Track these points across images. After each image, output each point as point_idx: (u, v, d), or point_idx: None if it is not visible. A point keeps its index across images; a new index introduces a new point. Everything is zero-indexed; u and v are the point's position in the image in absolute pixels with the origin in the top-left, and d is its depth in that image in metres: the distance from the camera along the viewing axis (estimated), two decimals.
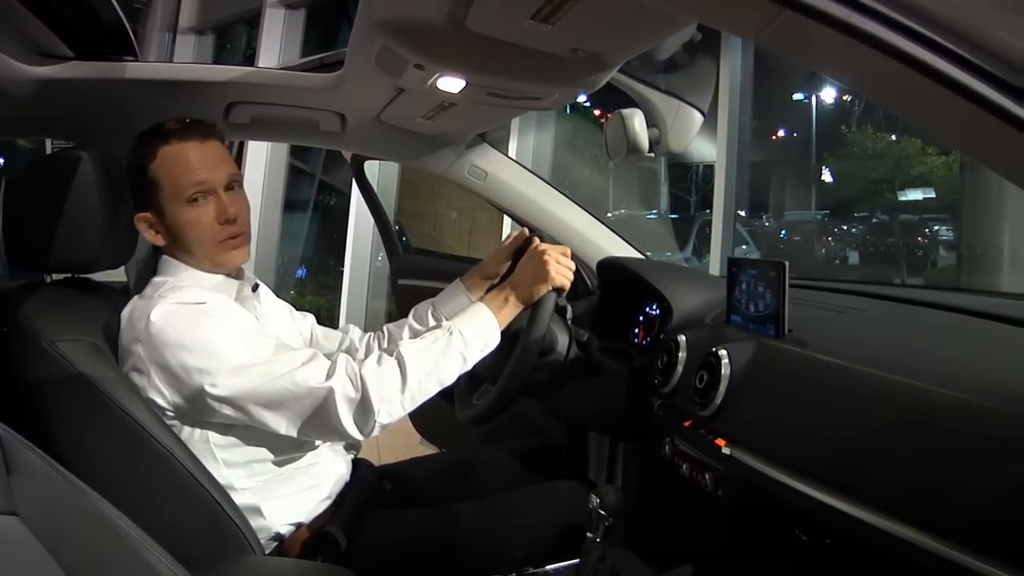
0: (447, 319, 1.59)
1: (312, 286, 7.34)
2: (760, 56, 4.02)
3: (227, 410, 1.31)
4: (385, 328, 1.76)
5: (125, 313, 1.40)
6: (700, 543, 1.53)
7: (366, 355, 1.67)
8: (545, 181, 2.21)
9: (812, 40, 0.69)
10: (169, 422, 1.34)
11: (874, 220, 6.06)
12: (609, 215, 6.13)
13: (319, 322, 1.80)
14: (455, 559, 1.52)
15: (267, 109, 1.78)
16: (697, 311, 1.70)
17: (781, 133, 7.26)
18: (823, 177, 6.89)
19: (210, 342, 1.31)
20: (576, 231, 2.17)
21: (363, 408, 1.32)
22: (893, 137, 5.94)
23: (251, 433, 1.38)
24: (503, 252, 1.68)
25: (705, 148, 4.45)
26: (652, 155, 1.66)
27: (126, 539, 0.75)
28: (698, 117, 1.64)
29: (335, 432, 1.34)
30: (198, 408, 1.32)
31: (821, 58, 0.78)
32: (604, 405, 1.77)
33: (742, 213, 4.88)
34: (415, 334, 1.66)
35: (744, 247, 5.74)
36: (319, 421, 1.32)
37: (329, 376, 1.32)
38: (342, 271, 5.80)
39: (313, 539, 1.46)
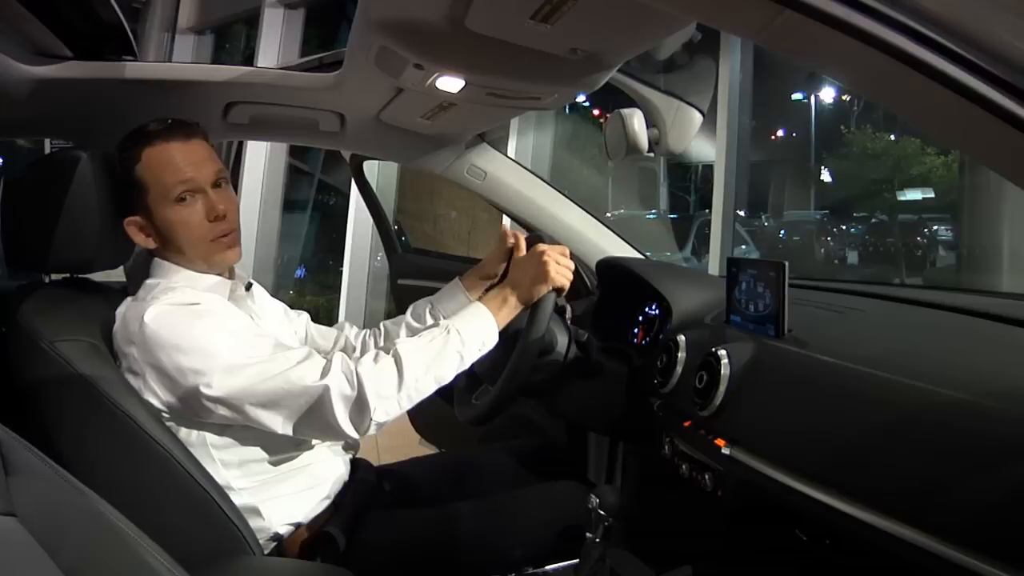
0: (445, 318, 1.59)
1: (311, 286, 7.34)
2: (759, 56, 4.02)
3: (222, 410, 1.31)
4: (382, 325, 1.76)
5: (119, 314, 1.39)
6: (699, 543, 1.53)
7: (362, 353, 1.68)
8: (544, 181, 2.21)
9: (812, 40, 0.69)
10: (167, 423, 1.34)
11: (873, 220, 6.07)
12: (608, 215, 6.13)
13: (319, 322, 1.80)
14: (454, 559, 1.52)
15: (266, 109, 1.78)
16: (697, 311, 1.70)
17: (780, 133, 7.27)
18: (822, 177, 6.90)
19: (204, 342, 1.31)
20: (575, 231, 2.17)
21: (359, 406, 1.32)
22: (892, 137, 5.95)
23: (249, 433, 1.38)
24: (501, 253, 1.68)
25: (704, 148, 4.44)
26: (651, 155, 1.66)
27: (125, 540, 0.75)
28: (697, 117, 1.64)
29: (331, 431, 1.33)
30: (194, 409, 1.32)
31: (821, 58, 0.78)
32: (603, 405, 1.77)
33: (741, 213, 4.89)
34: (412, 332, 1.66)
35: (743, 247, 5.75)
36: (315, 420, 1.32)
37: (324, 374, 1.32)
38: (341, 271, 5.80)
39: (312, 539, 1.46)
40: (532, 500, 1.65)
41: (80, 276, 1.51)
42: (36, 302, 1.38)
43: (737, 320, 1.46)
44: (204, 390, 1.29)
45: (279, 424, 1.33)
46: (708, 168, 4.77)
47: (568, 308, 1.69)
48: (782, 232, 6.89)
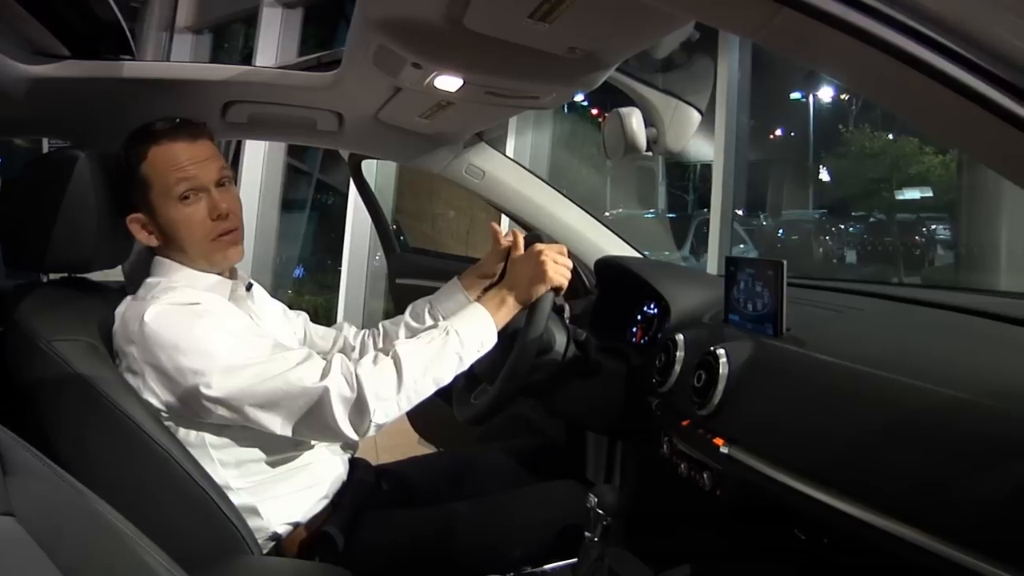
0: (444, 317, 1.59)
1: (310, 285, 7.34)
2: (758, 55, 4.02)
3: (222, 411, 1.31)
4: (381, 325, 1.76)
5: (118, 314, 1.39)
6: (698, 542, 1.53)
7: (361, 353, 1.68)
8: (543, 180, 2.21)
9: (810, 38, 0.69)
10: (165, 423, 1.34)
11: (872, 219, 6.08)
12: (607, 214, 6.12)
13: (317, 322, 1.79)
14: (453, 559, 1.52)
15: (264, 108, 1.78)
16: (695, 310, 1.70)
17: (779, 132, 7.27)
18: (821, 176, 6.90)
19: (203, 343, 1.31)
20: (574, 230, 2.17)
21: (359, 408, 1.32)
22: (891, 136, 5.95)
23: (247, 433, 1.37)
24: (499, 252, 1.67)
25: (703, 147, 4.44)
26: (650, 154, 1.66)
27: (123, 539, 0.75)
28: (696, 116, 1.64)
29: (331, 432, 1.33)
30: (193, 409, 1.32)
31: (820, 57, 0.78)
32: (602, 404, 1.77)
33: (740, 212, 4.88)
34: (411, 331, 1.66)
35: (742, 246, 5.74)
36: (314, 421, 1.32)
37: (324, 375, 1.32)
38: (340, 270, 5.80)
39: (311, 539, 1.46)
40: (531, 499, 1.65)
41: (78, 276, 1.51)
42: (34, 302, 1.37)
43: (735, 319, 1.46)
44: (203, 390, 1.29)
45: (278, 425, 1.33)
46: (707, 167, 4.77)
47: (566, 307, 1.69)
48: (780, 231, 6.89)
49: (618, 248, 2.17)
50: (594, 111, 6.14)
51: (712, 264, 3.90)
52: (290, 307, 1.76)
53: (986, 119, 0.64)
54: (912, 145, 5.68)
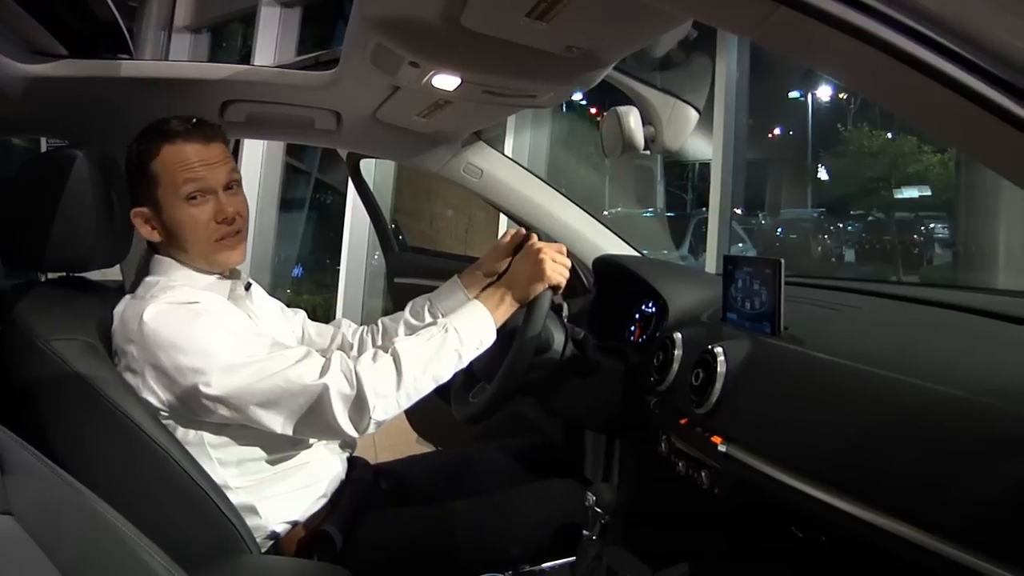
0: (443, 315, 1.59)
1: (308, 285, 7.34)
2: (757, 54, 4.02)
3: (222, 409, 1.31)
4: (380, 322, 1.76)
5: (117, 312, 1.39)
6: (696, 541, 1.53)
7: (359, 350, 1.68)
8: (541, 179, 2.21)
9: (807, 37, 0.70)
10: (164, 422, 1.34)
11: (870, 218, 6.07)
12: (606, 213, 6.12)
13: (316, 321, 1.79)
14: (451, 558, 1.52)
15: (263, 107, 1.78)
16: (693, 309, 1.70)
17: (777, 131, 7.26)
18: (819, 175, 6.89)
19: (203, 342, 1.31)
20: (572, 229, 2.17)
21: (358, 405, 1.32)
22: (889, 135, 5.94)
23: (246, 432, 1.38)
24: (502, 250, 1.67)
25: (702, 146, 4.45)
26: (648, 153, 1.66)
27: (122, 538, 0.75)
28: (693, 115, 1.64)
29: (330, 430, 1.33)
30: (193, 408, 1.32)
31: (817, 55, 0.78)
32: (600, 403, 1.77)
33: (738, 211, 4.88)
34: (410, 329, 1.66)
35: (740, 245, 5.74)
36: (314, 419, 1.32)
37: (323, 373, 1.32)
38: (338, 270, 5.80)
39: (309, 538, 1.46)
40: (529, 498, 1.66)
41: (76, 275, 1.51)
42: (32, 301, 1.37)
43: (733, 318, 1.46)
44: (203, 389, 1.29)
45: (278, 423, 1.33)
46: (705, 166, 4.77)
47: (565, 306, 1.70)
48: (779, 230, 6.89)
49: (616, 247, 2.18)
50: (592, 110, 6.13)
51: (711, 263, 3.91)
52: (289, 306, 1.76)
53: (985, 119, 0.64)
54: (911, 144, 5.69)
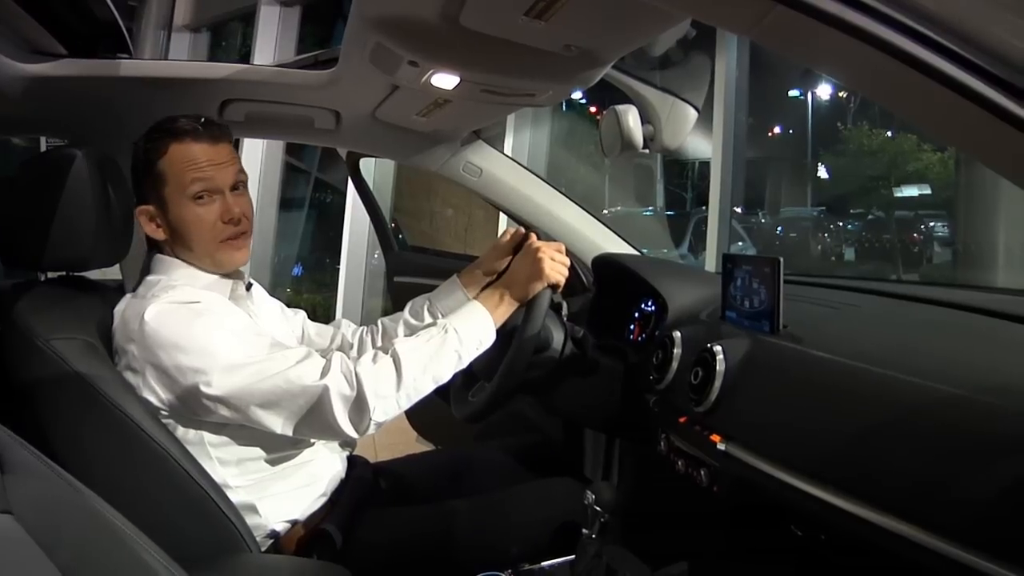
0: (443, 315, 1.59)
1: (308, 284, 7.34)
2: (756, 53, 4.02)
3: (222, 409, 1.31)
4: (379, 322, 1.76)
5: (118, 311, 1.39)
6: (695, 539, 1.53)
7: (359, 350, 1.68)
8: (540, 178, 2.21)
9: (804, 36, 0.70)
10: (164, 421, 1.34)
11: (870, 217, 6.07)
12: (605, 212, 6.12)
13: (315, 320, 1.80)
14: (451, 556, 1.52)
15: (262, 107, 1.78)
16: (692, 307, 1.70)
17: (777, 130, 7.25)
18: (819, 174, 6.90)
19: (204, 341, 1.31)
20: (572, 228, 2.17)
21: (358, 406, 1.32)
22: (889, 134, 5.95)
23: (246, 431, 1.38)
24: (502, 249, 1.67)
25: (701, 145, 4.44)
26: (647, 152, 1.66)
27: (122, 537, 0.75)
28: (692, 113, 1.64)
29: (330, 430, 1.34)
30: (193, 407, 1.32)
31: (816, 55, 0.78)
32: (599, 402, 1.77)
33: (738, 210, 4.88)
34: (410, 329, 1.66)
35: (740, 244, 5.74)
36: (314, 419, 1.32)
37: (324, 374, 1.32)
38: (338, 269, 5.80)
39: (309, 537, 1.46)
40: (528, 497, 1.66)
41: (76, 274, 1.51)
42: (32, 300, 1.38)
43: (732, 316, 1.46)
44: (204, 389, 1.29)
45: (279, 424, 1.33)
46: (705, 165, 4.77)
47: (564, 305, 1.70)
48: (779, 229, 6.89)
49: (616, 246, 2.18)
50: (592, 109, 6.13)
51: (711, 262, 3.90)
52: (288, 305, 1.76)
53: (984, 118, 0.64)
54: (910, 142, 5.69)
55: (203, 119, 1.44)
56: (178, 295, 1.37)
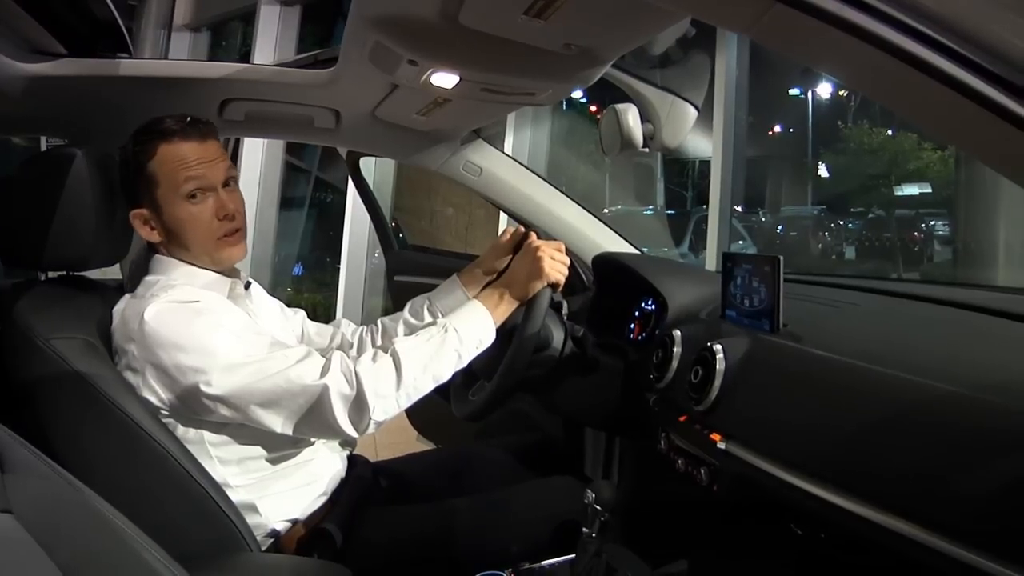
0: (443, 314, 1.59)
1: (309, 283, 7.35)
2: (756, 51, 4.02)
3: (222, 409, 1.31)
4: (379, 321, 1.76)
5: (117, 311, 1.39)
6: (696, 538, 1.54)
7: (359, 349, 1.68)
8: (540, 177, 2.21)
9: (805, 34, 0.69)
10: (164, 420, 1.34)
11: (870, 215, 6.07)
12: (606, 211, 6.12)
13: (316, 320, 1.80)
14: (451, 555, 1.53)
15: (262, 106, 1.78)
16: (692, 306, 1.70)
17: (777, 129, 7.26)
18: (819, 172, 6.90)
19: (204, 341, 1.31)
20: (572, 227, 2.17)
21: (358, 405, 1.32)
22: (889, 132, 5.95)
23: (246, 431, 1.38)
24: (501, 248, 1.67)
25: (701, 144, 4.45)
26: (647, 150, 1.66)
27: (122, 537, 0.75)
28: (692, 112, 1.64)
29: (330, 430, 1.34)
30: (193, 407, 1.32)
31: (815, 53, 0.78)
32: (600, 400, 1.77)
33: (738, 209, 4.89)
34: (410, 328, 1.66)
35: (741, 243, 5.74)
36: (314, 419, 1.32)
37: (324, 373, 1.32)
38: (339, 268, 5.80)
39: (309, 536, 1.46)
40: (528, 495, 1.66)
41: (76, 274, 1.51)
42: (32, 300, 1.37)
43: (732, 315, 1.46)
44: (204, 388, 1.29)
45: (279, 423, 1.33)
46: (705, 164, 4.77)
47: (564, 304, 1.70)
48: (779, 227, 6.89)
49: (616, 244, 2.18)
50: (592, 108, 6.13)
51: (711, 261, 3.90)
52: (289, 305, 1.76)
53: (984, 117, 0.64)
54: (910, 141, 5.69)
55: (188, 118, 1.43)
56: (177, 294, 1.37)
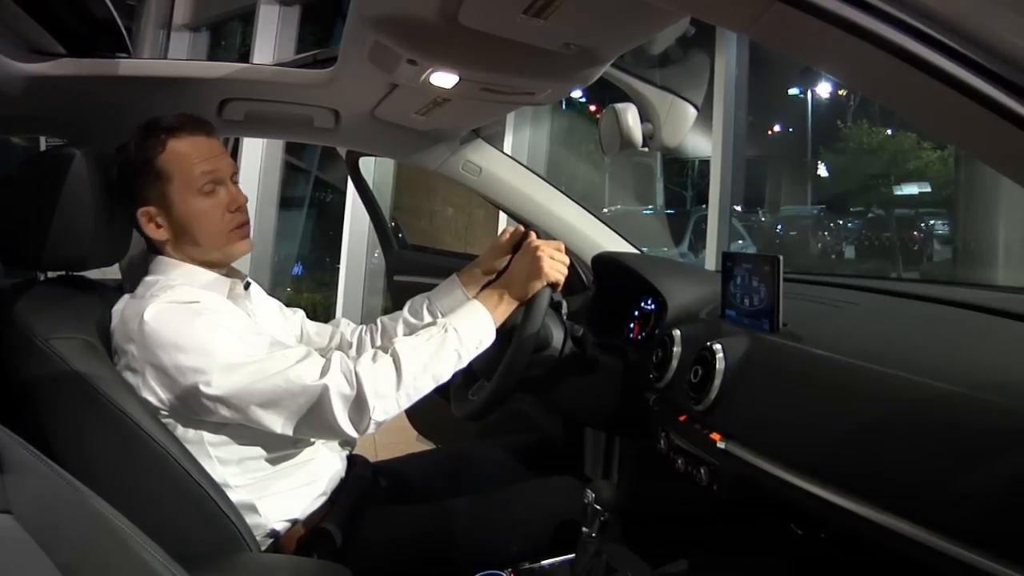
0: (442, 314, 1.59)
1: (308, 283, 7.35)
2: (755, 51, 4.02)
3: (222, 409, 1.31)
4: (379, 321, 1.76)
5: (116, 311, 1.39)
6: (695, 537, 1.54)
7: (358, 349, 1.68)
8: (540, 176, 2.21)
9: (804, 33, 0.69)
10: (164, 420, 1.34)
11: (870, 215, 6.08)
12: (605, 211, 6.13)
13: (315, 319, 1.80)
14: (451, 555, 1.52)
15: (261, 106, 1.78)
16: (692, 306, 1.70)
17: (777, 128, 7.26)
18: (819, 172, 6.90)
19: (203, 341, 1.31)
20: (571, 226, 2.17)
21: (358, 405, 1.32)
22: (889, 132, 5.95)
23: (245, 431, 1.37)
24: (500, 248, 1.67)
25: (701, 143, 4.45)
26: (646, 150, 1.66)
27: (121, 537, 0.75)
28: (692, 112, 1.64)
29: (330, 430, 1.33)
30: (193, 407, 1.32)
31: (814, 52, 0.78)
32: (599, 400, 1.77)
33: (738, 208, 4.89)
34: (410, 328, 1.66)
35: (740, 242, 5.75)
36: (314, 419, 1.32)
37: (324, 373, 1.32)
38: (338, 268, 5.80)
39: (309, 536, 1.46)
40: (528, 495, 1.66)
41: (75, 274, 1.51)
42: (31, 300, 1.37)
43: (732, 315, 1.46)
44: (203, 388, 1.29)
45: (278, 423, 1.33)
46: (705, 163, 4.77)
47: (564, 303, 1.69)
48: (779, 227, 6.90)
49: (615, 244, 2.18)
50: (592, 107, 6.14)
51: (711, 260, 3.90)
52: (288, 305, 1.76)
53: (984, 116, 0.64)
54: (910, 141, 5.69)
55: (188, 115, 1.44)
56: (177, 295, 1.37)
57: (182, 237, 1.44)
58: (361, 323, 1.80)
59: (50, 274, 1.51)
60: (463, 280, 1.69)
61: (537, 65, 1.39)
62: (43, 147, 2.57)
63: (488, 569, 1.42)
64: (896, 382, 1.03)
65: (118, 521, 0.76)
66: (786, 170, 6.96)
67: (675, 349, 1.53)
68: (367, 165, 2.76)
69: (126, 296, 1.42)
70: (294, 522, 1.47)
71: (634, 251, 2.18)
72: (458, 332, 1.44)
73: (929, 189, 5.73)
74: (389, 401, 1.35)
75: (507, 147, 5.01)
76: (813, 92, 6.80)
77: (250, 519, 1.40)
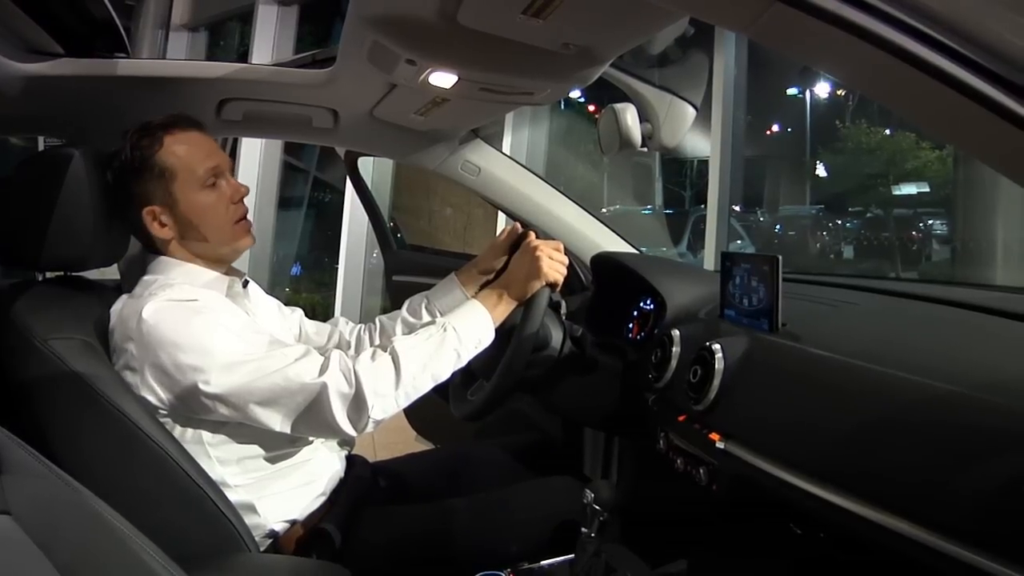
0: (441, 313, 1.59)
1: (307, 283, 7.34)
2: (754, 50, 4.02)
3: (221, 407, 1.31)
4: (377, 320, 1.76)
5: (115, 311, 1.39)
6: (694, 537, 1.54)
7: (357, 348, 1.68)
8: (539, 176, 2.21)
9: (804, 33, 0.69)
10: (162, 420, 1.34)
11: (868, 214, 6.07)
12: (604, 210, 6.12)
13: (314, 319, 1.79)
14: (449, 555, 1.52)
15: (260, 106, 1.78)
16: (691, 306, 1.70)
17: (775, 128, 7.26)
18: (818, 172, 6.90)
19: (202, 339, 1.31)
20: (570, 226, 2.17)
21: (357, 404, 1.32)
22: (887, 131, 5.94)
23: (244, 430, 1.37)
24: (499, 247, 1.67)
25: (700, 143, 4.45)
26: (645, 150, 1.66)
27: (120, 537, 0.75)
28: (691, 112, 1.64)
29: (329, 428, 1.33)
30: (192, 406, 1.32)
31: (814, 52, 0.78)
32: (598, 400, 1.77)
33: (737, 208, 4.89)
34: (408, 327, 1.66)
35: (739, 242, 5.74)
36: (313, 417, 1.32)
37: (322, 372, 1.32)
38: (337, 268, 5.80)
39: (308, 536, 1.46)
40: (527, 495, 1.66)
41: (73, 274, 1.51)
42: (29, 300, 1.37)
43: (731, 314, 1.46)
44: (202, 387, 1.29)
45: (277, 422, 1.33)
46: (704, 163, 4.77)
47: (563, 303, 1.69)
48: (778, 227, 6.89)
49: (614, 244, 2.18)
50: (591, 107, 6.13)
51: (709, 260, 3.91)
52: (287, 305, 1.76)
53: (983, 116, 0.64)
54: (909, 140, 5.69)
55: (178, 114, 1.47)
56: (175, 293, 1.37)
57: (188, 233, 1.45)
58: (359, 323, 1.79)
59: (48, 274, 1.51)
60: (461, 280, 1.70)
61: (536, 65, 1.39)
62: (41, 147, 2.56)
63: (487, 569, 1.42)
64: (895, 382, 1.03)
65: (117, 521, 0.76)
66: (785, 170, 6.95)
67: (674, 349, 1.53)
68: (366, 165, 2.76)
69: (124, 296, 1.42)
70: (293, 522, 1.47)
71: (633, 251, 2.18)
72: (457, 331, 1.43)
73: (928, 189, 5.72)
74: (388, 400, 1.35)
75: (506, 147, 5.01)
76: (812, 92, 6.80)
77: (249, 519, 1.40)
